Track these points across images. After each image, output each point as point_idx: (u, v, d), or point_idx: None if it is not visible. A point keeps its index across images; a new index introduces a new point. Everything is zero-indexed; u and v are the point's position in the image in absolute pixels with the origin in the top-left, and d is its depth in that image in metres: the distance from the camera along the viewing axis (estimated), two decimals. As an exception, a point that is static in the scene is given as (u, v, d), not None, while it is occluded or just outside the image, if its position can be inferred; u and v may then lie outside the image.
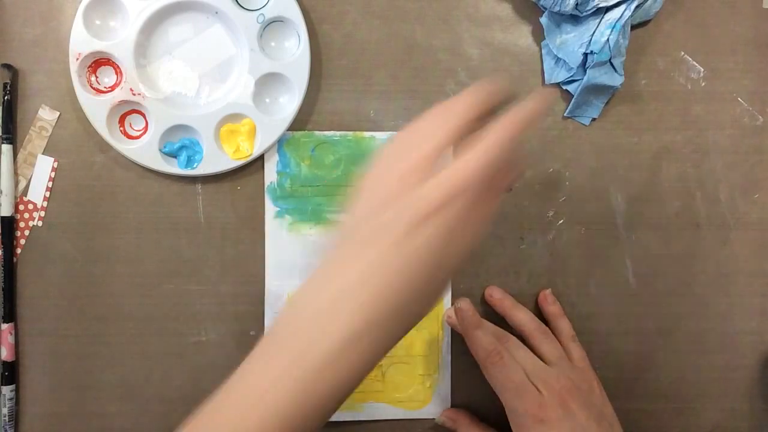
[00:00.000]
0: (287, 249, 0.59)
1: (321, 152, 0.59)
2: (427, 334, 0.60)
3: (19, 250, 0.59)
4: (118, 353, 0.60)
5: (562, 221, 0.60)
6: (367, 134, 0.59)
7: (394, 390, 0.60)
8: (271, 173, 0.59)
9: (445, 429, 0.60)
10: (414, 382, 0.60)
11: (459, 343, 0.59)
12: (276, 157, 0.59)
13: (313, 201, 0.59)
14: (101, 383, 0.60)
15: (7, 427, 0.58)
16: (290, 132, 0.59)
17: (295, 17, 0.57)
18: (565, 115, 0.59)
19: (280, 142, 0.59)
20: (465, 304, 0.55)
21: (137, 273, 0.59)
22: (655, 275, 0.61)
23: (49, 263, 0.59)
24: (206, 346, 0.60)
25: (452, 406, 0.60)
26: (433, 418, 0.60)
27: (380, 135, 0.59)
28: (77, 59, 0.56)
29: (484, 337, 0.54)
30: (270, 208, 0.59)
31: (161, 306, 0.60)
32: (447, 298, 0.60)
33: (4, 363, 0.58)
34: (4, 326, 0.58)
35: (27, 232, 0.59)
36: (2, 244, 0.58)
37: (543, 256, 0.60)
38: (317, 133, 0.59)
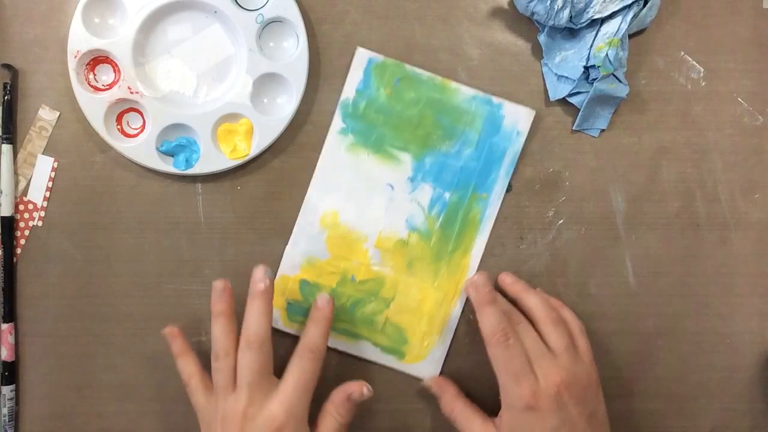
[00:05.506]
0: (338, 167, 0.56)
1: (404, 86, 0.56)
2: (442, 295, 0.57)
3: (19, 250, 0.56)
4: (118, 353, 0.57)
5: (562, 221, 0.57)
6: (453, 84, 0.56)
7: (392, 338, 0.57)
8: (350, 89, 0.56)
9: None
10: (413, 337, 0.57)
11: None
12: (360, 76, 0.55)
13: (379, 130, 0.56)
14: (101, 383, 0.57)
15: (7, 427, 0.56)
16: (381, 56, 0.55)
17: (294, 18, 0.54)
18: (573, 129, 0.56)
19: (369, 63, 0.55)
20: (481, 278, 0.53)
21: (137, 273, 0.57)
22: (655, 275, 0.58)
23: (49, 263, 0.57)
24: (206, 346, 0.56)
25: (441, 373, 0.57)
26: (419, 379, 0.57)
27: (467, 90, 0.56)
28: (75, 57, 0.53)
29: (495, 315, 0.51)
30: (337, 121, 0.56)
31: (161, 306, 0.57)
32: (473, 266, 0.56)
33: (4, 363, 0.56)
34: (4, 326, 0.56)
35: (27, 232, 0.56)
36: (2, 244, 0.55)
37: (543, 256, 0.57)
38: (407, 66, 0.56)
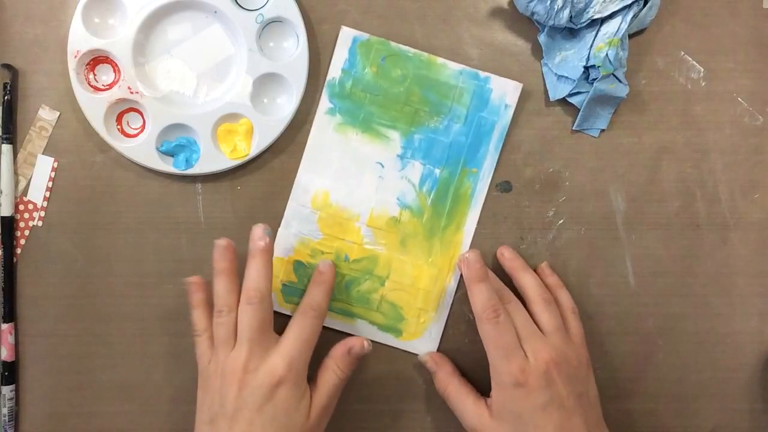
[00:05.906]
0: (328, 147, 0.56)
1: (390, 63, 0.55)
2: (437, 271, 0.56)
3: (19, 250, 0.56)
4: (118, 353, 0.57)
5: (562, 221, 0.57)
6: (440, 60, 0.55)
7: (388, 316, 0.57)
8: (335, 69, 0.55)
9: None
10: (409, 314, 0.56)
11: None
12: (345, 55, 0.55)
13: (367, 109, 0.56)
14: (101, 383, 0.57)
15: (7, 427, 0.56)
16: (366, 34, 0.55)
17: (294, 17, 0.54)
18: (573, 129, 0.56)
19: (354, 42, 0.55)
20: (473, 255, 0.52)
21: (137, 273, 0.57)
22: (655, 275, 0.58)
23: (49, 263, 0.56)
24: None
25: (438, 350, 0.57)
26: (416, 354, 0.57)
27: (453, 65, 0.55)
28: (75, 57, 0.53)
29: (485, 292, 0.51)
30: (324, 102, 0.56)
31: (161, 306, 0.57)
32: (466, 241, 0.56)
33: (4, 363, 0.56)
34: (4, 326, 0.56)
35: (27, 232, 0.56)
36: (2, 244, 0.55)
37: (543, 256, 0.57)
38: (393, 43, 0.55)
